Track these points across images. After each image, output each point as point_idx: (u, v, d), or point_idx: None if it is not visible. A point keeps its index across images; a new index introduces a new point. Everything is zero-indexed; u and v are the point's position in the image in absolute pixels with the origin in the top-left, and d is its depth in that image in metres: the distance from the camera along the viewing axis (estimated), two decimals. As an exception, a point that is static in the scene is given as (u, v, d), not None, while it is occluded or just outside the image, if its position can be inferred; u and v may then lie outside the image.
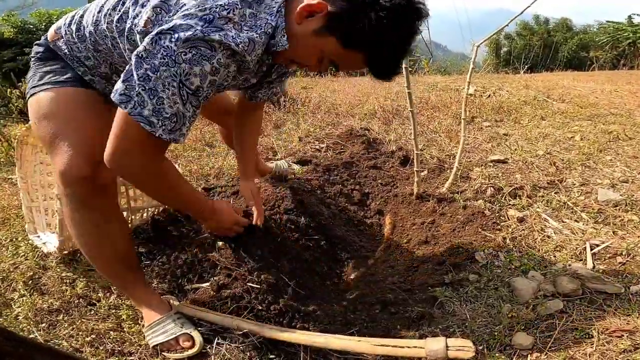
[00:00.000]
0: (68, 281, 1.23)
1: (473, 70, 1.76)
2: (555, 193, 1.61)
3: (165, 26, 0.72)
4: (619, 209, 1.46)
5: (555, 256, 1.26)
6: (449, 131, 2.32)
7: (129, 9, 0.86)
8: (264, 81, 1.10)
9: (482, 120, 2.55)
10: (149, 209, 1.35)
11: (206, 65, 0.73)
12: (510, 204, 1.58)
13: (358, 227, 1.61)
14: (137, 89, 0.73)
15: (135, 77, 0.73)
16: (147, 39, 0.73)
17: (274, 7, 0.81)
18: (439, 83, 3.72)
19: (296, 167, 1.84)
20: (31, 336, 1.01)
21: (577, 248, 1.28)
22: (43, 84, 0.95)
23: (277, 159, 1.89)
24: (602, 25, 11.84)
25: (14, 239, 1.46)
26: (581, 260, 1.23)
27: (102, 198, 0.95)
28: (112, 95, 0.75)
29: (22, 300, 1.15)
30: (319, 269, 1.37)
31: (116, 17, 0.88)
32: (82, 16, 0.98)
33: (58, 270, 1.27)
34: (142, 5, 0.84)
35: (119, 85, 0.75)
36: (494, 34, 1.83)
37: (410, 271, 1.33)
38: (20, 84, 3.42)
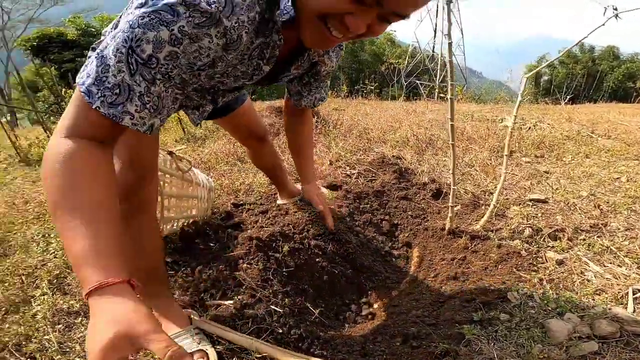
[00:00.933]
0: None
1: (510, 100, 1.72)
2: (598, 237, 1.51)
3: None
4: (668, 257, 1.34)
5: (594, 299, 1.18)
6: (485, 165, 2.26)
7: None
8: (294, 76, 0.98)
9: (521, 155, 2.47)
10: (180, 219, 1.40)
11: (163, 32, 0.62)
12: (549, 246, 1.50)
13: (385, 258, 1.58)
14: (92, 56, 0.66)
15: (100, 47, 0.66)
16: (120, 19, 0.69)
17: None
18: (475, 112, 3.66)
19: (326, 191, 1.86)
20: (46, 337, 1.03)
21: (618, 292, 1.20)
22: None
23: (308, 182, 1.92)
24: (653, 53, 11.12)
25: (46, 235, 1.50)
26: (622, 304, 1.15)
27: (144, 214, 0.94)
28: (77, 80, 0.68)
29: (43, 298, 1.16)
30: (343, 297, 1.35)
31: None
32: None
33: None
34: None
35: (84, 71, 0.67)
36: (543, 67, 1.78)
37: (436, 306, 1.28)
38: (75, 84, 3.73)
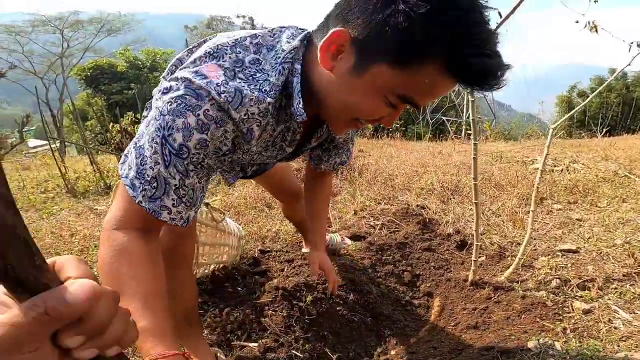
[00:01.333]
0: None
1: (542, 134, 1.71)
2: (630, 285, 1.46)
3: (164, 85, 0.67)
4: None
5: (619, 346, 1.14)
6: (513, 214, 2.26)
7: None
8: (309, 149, 0.99)
9: (552, 202, 2.43)
10: (212, 265, 1.54)
11: (190, 117, 0.62)
12: (576, 296, 1.46)
13: (405, 307, 1.61)
14: (130, 147, 0.68)
15: (136, 135, 0.68)
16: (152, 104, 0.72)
17: (279, 57, 0.66)
18: (504, 152, 3.60)
19: (349, 242, 1.96)
20: None
21: (646, 340, 1.14)
22: None
23: (332, 231, 2.03)
24: (686, 75, 10.22)
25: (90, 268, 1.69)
26: None
27: (183, 266, 0.97)
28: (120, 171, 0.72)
29: None
30: (362, 344, 1.40)
31: None
32: None
33: None
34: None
35: (123, 160, 0.70)
36: (571, 114, 1.75)
37: (454, 354, 1.29)
38: (122, 119, 3.68)
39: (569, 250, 1.81)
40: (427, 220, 2.24)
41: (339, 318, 1.43)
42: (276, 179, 1.46)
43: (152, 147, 0.64)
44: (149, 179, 0.64)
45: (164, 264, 0.82)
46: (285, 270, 1.64)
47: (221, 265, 1.61)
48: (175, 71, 0.75)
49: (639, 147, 3.54)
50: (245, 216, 2.35)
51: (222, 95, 0.62)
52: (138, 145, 0.66)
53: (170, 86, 0.64)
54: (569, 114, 1.70)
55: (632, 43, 1.39)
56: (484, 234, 2.07)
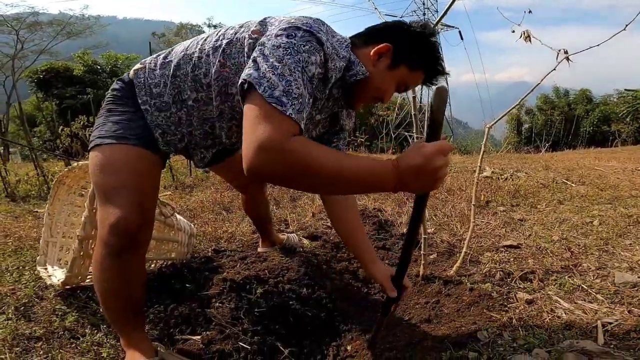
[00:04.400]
0: (59, 313, 1.25)
1: (493, 150, 1.83)
2: (569, 277, 1.55)
3: (275, 31, 0.84)
4: (637, 290, 1.37)
5: (563, 334, 1.18)
6: (462, 215, 2.35)
7: (225, 33, 0.99)
8: (331, 127, 1.21)
9: (497, 205, 2.57)
10: (158, 261, 1.46)
11: (317, 56, 0.83)
12: (520, 287, 1.53)
13: (359, 303, 1.60)
14: (267, 75, 0.75)
15: (264, 67, 0.77)
16: (265, 40, 0.82)
17: (344, 42, 0.97)
18: (457, 164, 3.80)
19: (306, 241, 1.93)
20: (1, 357, 1.03)
21: (587, 326, 1.20)
22: (110, 137, 1.01)
23: (289, 232, 2.00)
24: (622, 94, 11.24)
25: (20, 267, 1.54)
26: (591, 337, 1.15)
27: (136, 251, 1.00)
28: (241, 81, 0.78)
29: (7, 323, 1.17)
30: (316, 339, 1.36)
31: (212, 39, 1.00)
32: (172, 49, 1.11)
33: (53, 302, 1.31)
34: (242, 26, 0.98)
35: (248, 72, 0.77)
36: (503, 116, 1.87)
37: (409, 347, 1.28)
38: (72, 123, 3.54)
39: (511, 246, 1.91)
40: (383, 221, 2.27)
41: (292, 312, 1.39)
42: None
43: (295, 73, 0.77)
44: (295, 95, 0.75)
45: (122, 247, 0.96)
46: (238, 266, 1.58)
47: (169, 262, 1.52)
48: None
49: (577, 160, 3.87)
50: (201, 218, 2.26)
51: (326, 45, 0.85)
52: (277, 73, 0.76)
53: (295, 32, 0.82)
54: (506, 111, 1.80)
55: (559, 51, 1.52)
56: (435, 233, 2.13)
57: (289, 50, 0.79)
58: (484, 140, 1.84)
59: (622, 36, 1.44)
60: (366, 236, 1.33)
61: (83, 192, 1.62)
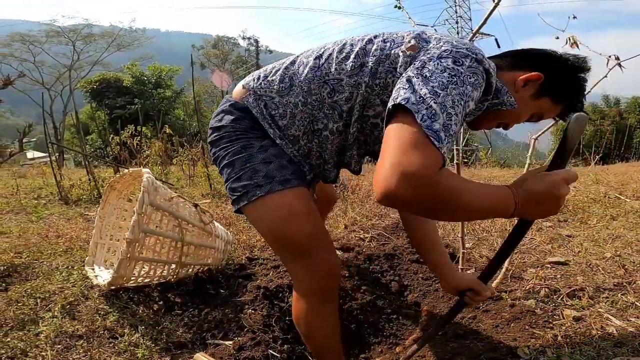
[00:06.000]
0: (102, 313, 1.30)
1: (537, 164, 1.71)
2: (622, 295, 1.42)
3: (438, 51, 0.76)
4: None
5: (613, 352, 1.10)
6: (502, 230, 2.24)
7: (366, 50, 0.87)
8: None
9: (542, 220, 2.42)
10: (196, 266, 1.51)
11: (479, 92, 0.76)
12: (567, 304, 1.43)
13: (391, 316, 1.56)
14: (428, 101, 0.68)
15: (423, 90, 0.69)
16: (426, 60, 0.74)
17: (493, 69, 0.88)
18: (497, 177, 3.63)
19: (338, 253, 1.93)
20: (42, 353, 1.07)
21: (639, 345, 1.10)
22: (271, 183, 0.88)
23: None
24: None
25: (70, 267, 1.63)
26: None
27: (335, 302, 1.00)
28: (392, 104, 0.70)
29: (52, 320, 1.22)
30: (345, 350, 1.34)
31: (350, 55, 0.87)
32: (286, 68, 0.94)
33: (97, 301, 1.37)
34: (385, 41, 0.87)
35: (404, 95, 0.69)
36: (549, 128, 1.77)
37: (441, 364, 1.24)
38: (122, 132, 3.76)
39: (558, 263, 1.78)
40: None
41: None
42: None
43: (457, 107, 0.69)
44: (452, 133, 0.68)
45: (331, 290, 0.97)
46: (271, 274, 1.61)
47: (205, 268, 1.58)
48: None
49: (630, 174, 3.56)
50: (236, 226, 2.33)
51: (493, 77, 0.81)
52: (438, 102, 0.68)
53: (463, 59, 0.74)
54: (554, 122, 1.70)
55: (609, 57, 1.43)
56: (473, 248, 2.04)
57: (455, 79, 0.71)
58: (529, 152, 1.72)
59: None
60: (437, 239, 1.27)
61: (132, 197, 1.74)
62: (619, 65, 1.42)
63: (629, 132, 10.25)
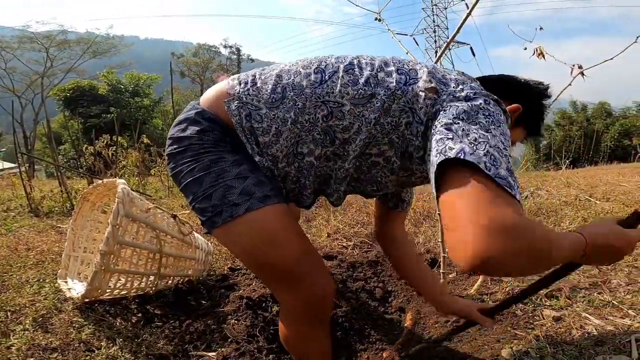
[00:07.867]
0: (76, 325, 1.25)
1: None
2: (598, 293, 1.47)
3: (464, 93, 0.73)
4: (672, 307, 1.29)
5: (595, 350, 1.12)
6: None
7: (377, 75, 0.79)
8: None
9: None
10: (176, 277, 1.47)
11: (507, 126, 0.75)
12: (545, 305, 1.47)
13: (376, 322, 1.56)
14: (483, 147, 0.63)
15: (471, 136, 0.64)
16: (458, 104, 0.71)
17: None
18: None
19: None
20: None
21: (620, 342, 1.14)
22: (250, 200, 0.77)
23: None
24: (640, 106, 10.74)
25: (41, 280, 1.56)
26: (625, 352, 1.09)
27: (324, 325, 0.91)
28: (447, 157, 0.63)
29: (23, 333, 1.18)
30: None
31: (360, 81, 0.78)
32: (279, 76, 0.82)
33: (71, 314, 1.31)
34: (400, 73, 0.79)
35: (455, 145, 0.64)
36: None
37: (427, 367, 1.24)
38: (96, 142, 3.65)
39: (536, 265, 1.83)
40: (401, 239, 2.23)
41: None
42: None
43: (503, 146, 0.67)
44: (514, 172, 0.66)
45: (325, 314, 0.89)
46: (254, 284, 1.58)
47: (186, 279, 1.54)
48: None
49: (600, 176, 3.73)
50: (218, 237, 2.28)
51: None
52: (492, 145, 0.65)
53: (486, 97, 0.74)
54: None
55: (573, 66, 1.51)
56: (455, 251, 2.07)
57: (491, 119, 0.68)
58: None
59: (638, 46, 1.42)
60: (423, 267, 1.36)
61: (106, 209, 1.68)
62: (582, 74, 1.50)
63: (597, 137, 10.79)
